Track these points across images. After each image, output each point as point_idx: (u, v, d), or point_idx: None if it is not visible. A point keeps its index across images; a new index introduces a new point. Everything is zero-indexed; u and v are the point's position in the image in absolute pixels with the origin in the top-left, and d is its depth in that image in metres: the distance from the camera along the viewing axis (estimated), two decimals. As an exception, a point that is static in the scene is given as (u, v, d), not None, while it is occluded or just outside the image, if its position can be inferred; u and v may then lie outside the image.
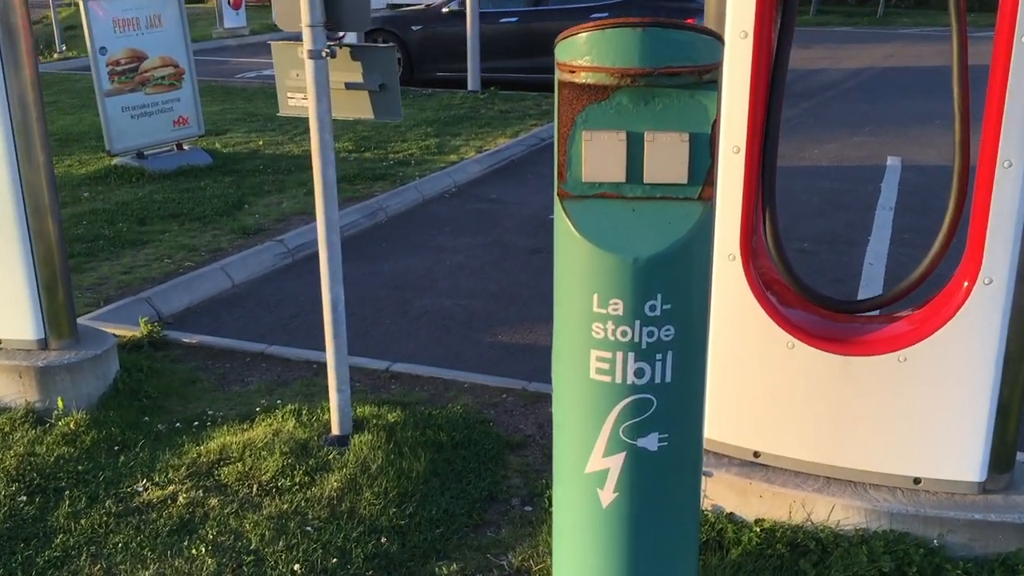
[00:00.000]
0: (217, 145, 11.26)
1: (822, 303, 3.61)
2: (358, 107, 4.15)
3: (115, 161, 10.12)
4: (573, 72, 2.22)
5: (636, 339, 2.21)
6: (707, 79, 2.21)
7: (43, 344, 4.86)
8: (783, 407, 3.60)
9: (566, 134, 2.26)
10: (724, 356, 3.65)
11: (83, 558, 3.69)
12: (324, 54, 4.00)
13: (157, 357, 5.51)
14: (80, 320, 6.04)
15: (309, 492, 4.07)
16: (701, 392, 2.46)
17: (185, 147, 10.50)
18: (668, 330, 2.21)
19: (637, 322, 2.20)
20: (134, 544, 3.76)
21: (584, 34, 2.22)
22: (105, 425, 4.65)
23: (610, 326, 2.22)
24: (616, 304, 2.20)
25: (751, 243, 3.54)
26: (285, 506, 3.98)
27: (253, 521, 3.88)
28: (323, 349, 4.44)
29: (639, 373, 2.26)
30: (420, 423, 4.56)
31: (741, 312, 3.57)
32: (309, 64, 4.00)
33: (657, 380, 2.25)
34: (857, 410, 3.50)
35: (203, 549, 3.72)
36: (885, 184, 9.56)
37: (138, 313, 6.21)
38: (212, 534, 3.81)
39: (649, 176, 2.24)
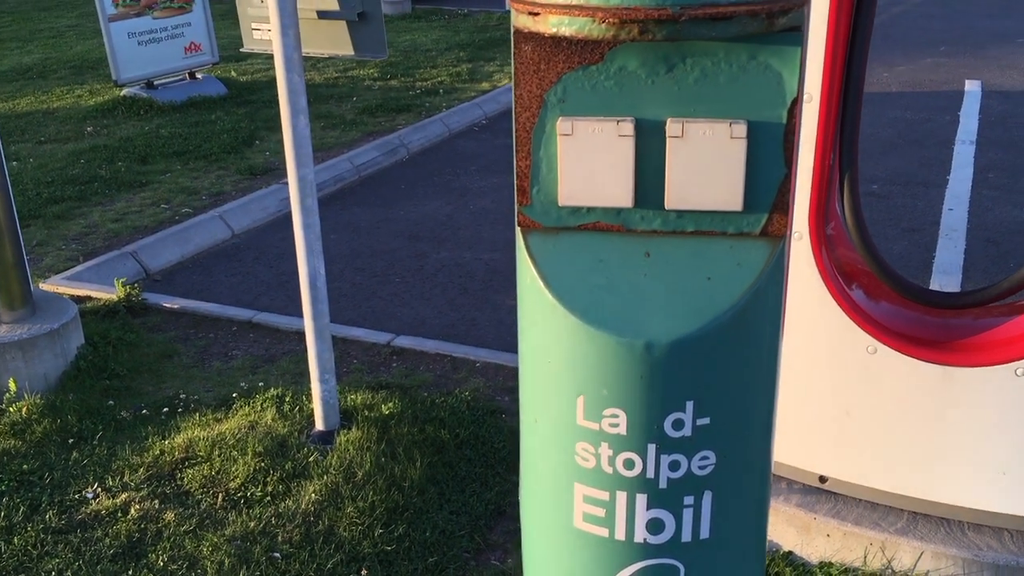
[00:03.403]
0: (233, 73, 10.51)
1: (913, 294, 2.82)
2: (334, 41, 3.38)
3: (123, 92, 9.43)
4: (536, 15, 1.28)
5: (650, 474, 1.28)
6: (783, 25, 1.26)
7: (-7, 317, 4.25)
8: (860, 425, 2.84)
9: (529, 123, 1.33)
10: (784, 357, 2.89)
11: (7, 592, 3.10)
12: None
13: (132, 325, 4.87)
14: (56, 278, 5.46)
15: (282, 505, 3.42)
16: (757, 548, 1.53)
17: (198, 76, 9.76)
18: (705, 458, 1.29)
19: (651, 447, 1.27)
20: (69, 573, 3.16)
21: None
22: (61, 412, 4.04)
23: (605, 450, 1.29)
24: (615, 417, 1.26)
25: (824, 218, 2.75)
26: (252, 523, 3.34)
27: (212, 543, 3.25)
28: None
29: (655, 527, 1.34)
30: (419, 416, 3.87)
31: (808, 304, 2.80)
32: (273, -13, 3.23)
33: (686, 537, 1.32)
34: (957, 434, 2.73)
35: (148, 582, 3.10)
36: (964, 113, 8.54)
37: (122, 269, 5.58)
38: (162, 560, 3.20)
39: (675, 198, 1.31)
